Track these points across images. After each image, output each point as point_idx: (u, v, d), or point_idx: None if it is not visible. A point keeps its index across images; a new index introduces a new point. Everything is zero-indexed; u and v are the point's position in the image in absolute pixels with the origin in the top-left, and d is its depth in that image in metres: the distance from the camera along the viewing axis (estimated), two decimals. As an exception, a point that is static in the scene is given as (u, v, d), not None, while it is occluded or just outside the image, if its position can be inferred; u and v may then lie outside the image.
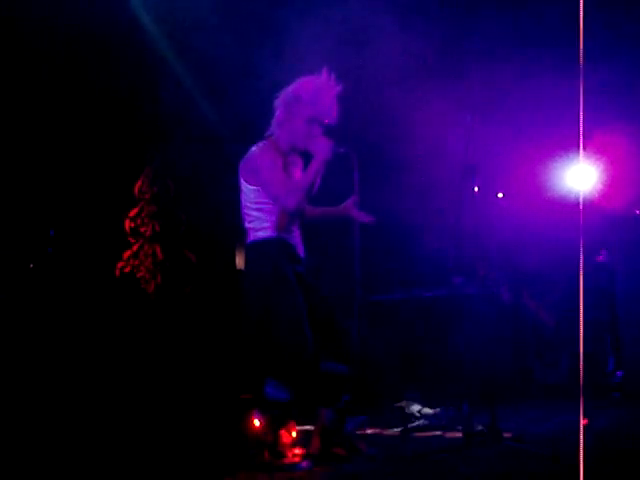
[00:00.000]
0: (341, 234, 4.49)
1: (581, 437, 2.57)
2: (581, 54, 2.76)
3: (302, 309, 3.86)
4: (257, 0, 6.29)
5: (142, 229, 7.07)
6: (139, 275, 6.98)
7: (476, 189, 4.50)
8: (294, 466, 3.87)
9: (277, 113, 4.04)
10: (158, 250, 7.09)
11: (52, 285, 6.28)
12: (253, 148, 4.00)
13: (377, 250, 6.53)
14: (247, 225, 4.02)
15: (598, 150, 5.68)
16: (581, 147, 3.09)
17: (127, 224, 7.02)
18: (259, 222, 3.96)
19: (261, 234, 3.96)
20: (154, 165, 7.13)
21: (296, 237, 4.07)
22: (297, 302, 3.87)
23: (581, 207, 2.84)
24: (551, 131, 6.03)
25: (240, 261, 6.68)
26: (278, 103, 4.03)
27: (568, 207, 5.63)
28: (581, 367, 2.58)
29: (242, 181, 4.00)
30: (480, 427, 4.42)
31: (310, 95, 3.94)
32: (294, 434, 4.05)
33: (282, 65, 5.17)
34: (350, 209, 4.11)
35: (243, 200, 4.01)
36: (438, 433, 4.76)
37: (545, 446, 4.13)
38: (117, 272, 6.92)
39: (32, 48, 6.22)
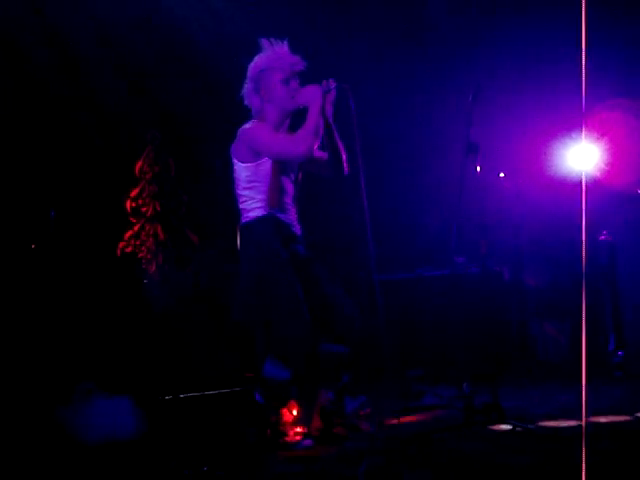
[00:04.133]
0: (345, 215, 4.46)
1: (583, 416, 2.57)
2: (584, 32, 2.74)
3: (298, 289, 3.84)
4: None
5: (143, 209, 7.06)
6: (140, 255, 6.98)
7: (478, 168, 4.49)
8: (295, 444, 3.89)
9: (253, 106, 4.08)
10: (159, 230, 7.09)
11: (53, 266, 6.29)
12: (243, 127, 4.01)
13: (379, 230, 6.52)
14: (240, 206, 4.05)
15: (601, 129, 5.65)
16: (584, 126, 3.07)
17: (128, 204, 7.01)
18: (250, 202, 3.98)
19: (252, 214, 3.97)
20: (155, 144, 7.11)
21: (291, 215, 4.08)
22: (292, 282, 3.85)
23: (583, 186, 2.83)
24: (553, 110, 6.00)
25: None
26: (248, 97, 4.09)
27: (570, 186, 5.62)
28: (584, 347, 2.58)
29: (235, 161, 4.01)
30: (481, 405, 4.43)
31: (269, 60, 4.01)
32: (295, 413, 4.06)
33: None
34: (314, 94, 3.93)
35: (236, 180, 4.04)
36: (439, 412, 4.77)
37: (546, 425, 4.14)
38: (118, 252, 6.93)
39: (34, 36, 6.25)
